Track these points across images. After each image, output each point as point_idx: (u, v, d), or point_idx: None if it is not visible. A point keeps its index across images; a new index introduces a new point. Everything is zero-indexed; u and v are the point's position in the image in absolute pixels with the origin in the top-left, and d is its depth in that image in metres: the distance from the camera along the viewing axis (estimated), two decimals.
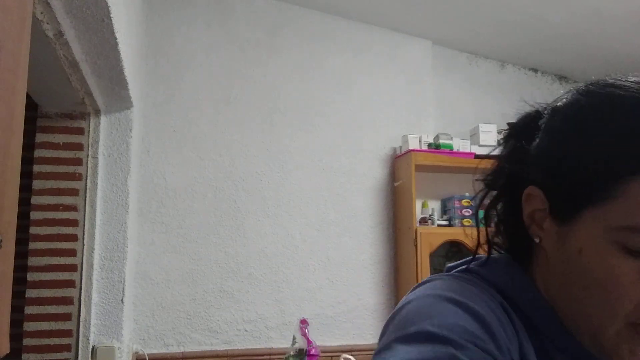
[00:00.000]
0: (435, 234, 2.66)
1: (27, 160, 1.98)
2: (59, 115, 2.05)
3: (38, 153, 2.02)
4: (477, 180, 0.63)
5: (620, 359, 0.49)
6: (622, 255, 0.47)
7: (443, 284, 0.54)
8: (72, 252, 2.03)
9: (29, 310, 1.96)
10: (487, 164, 0.64)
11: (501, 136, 0.64)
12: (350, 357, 2.34)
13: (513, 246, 0.61)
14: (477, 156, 2.83)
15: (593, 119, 0.51)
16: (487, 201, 0.63)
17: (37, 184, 2.01)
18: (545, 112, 0.61)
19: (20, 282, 1.94)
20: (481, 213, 0.62)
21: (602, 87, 0.53)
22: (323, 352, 2.53)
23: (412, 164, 2.65)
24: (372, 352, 0.52)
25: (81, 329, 2.01)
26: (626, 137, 0.47)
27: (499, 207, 0.62)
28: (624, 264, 0.47)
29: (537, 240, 0.56)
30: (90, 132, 2.10)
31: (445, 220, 2.80)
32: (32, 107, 1.98)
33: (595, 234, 0.49)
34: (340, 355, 2.47)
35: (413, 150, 2.68)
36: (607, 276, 0.47)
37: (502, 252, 0.62)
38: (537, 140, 0.57)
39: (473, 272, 0.58)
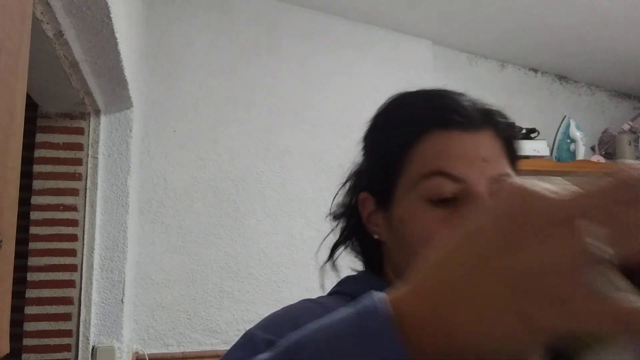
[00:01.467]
0: None
1: (27, 160, 1.98)
2: (59, 115, 2.05)
3: (38, 153, 2.02)
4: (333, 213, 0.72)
5: None
6: (429, 207, 0.54)
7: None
8: (72, 252, 2.03)
9: (29, 310, 1.96)
10: None
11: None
12: None
13: (369, 258, 0.67)
14: None
15: (386, 114, 0.63)
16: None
17: (37, 184, 2.01)
18: None
19: (20, 282, 1.94)
20: None
21: (398, 95, 0.64)
22: None
23: None
24: None
25: (81, 329, 2.01)
26: (408, 114, 0.59)
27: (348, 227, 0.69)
28: (431, 214, 0.53)
29: (376, 237, 0.62)
30: (90, 132, 2.10)
31: None
32: (32, 107, 1.98)
33: (407, 200, 0.56)
34: None
35: None
36: (421, 230, 0.54)
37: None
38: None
39: (333, 293, 0.65)
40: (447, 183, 0.53)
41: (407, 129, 0.58)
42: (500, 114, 0.61)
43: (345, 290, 0.64)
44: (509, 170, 0.56)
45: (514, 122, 0.62)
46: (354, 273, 0.68)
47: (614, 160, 3.21)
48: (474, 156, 0.54)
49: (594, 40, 2.88)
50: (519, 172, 0.60)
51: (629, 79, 3.31)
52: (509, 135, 0.60)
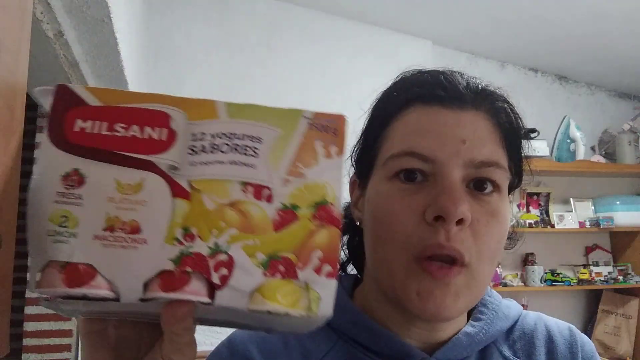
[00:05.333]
0: None
1: (27, 160, 1.98)
2: None
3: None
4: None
5: (410, 303, 0.47)
6: (392, 183, 0.49)
7: None
8: None
9: (29, 310, 1.96)
10: None
11: None
12: None
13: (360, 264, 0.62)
14: None
15: (381, 92, 0.57)
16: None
17: None
18: None
19: (20, 282, 1.94)
20: None
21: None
22: None
23: None
24: None
25: None
26: (394, 88, 0.54)
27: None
28: (394, 189, 0.48)
29: (358, 223, 0.56)
30: None
31: None
32: (32, 107, 1.98)
33: (376, 179, 0.51)
34: None
35: None
36: (383, 207, 0.48)
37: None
38: None
39: None
40: (414, 162, 0.48)
41: (389, 104, 0.53)
42: (500, 97, 0.55)
43: None
44: (499, 157, 0.50)
45: (516, 109, 0.56)
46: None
47: (614, 160, 3.22)
48: (450, 135, 0.47)
49: (594, 40, 2.88)
50: (518, 162, 0.55)
51: (629, 79, 3.31)
52: (508, 121, 0.53)
